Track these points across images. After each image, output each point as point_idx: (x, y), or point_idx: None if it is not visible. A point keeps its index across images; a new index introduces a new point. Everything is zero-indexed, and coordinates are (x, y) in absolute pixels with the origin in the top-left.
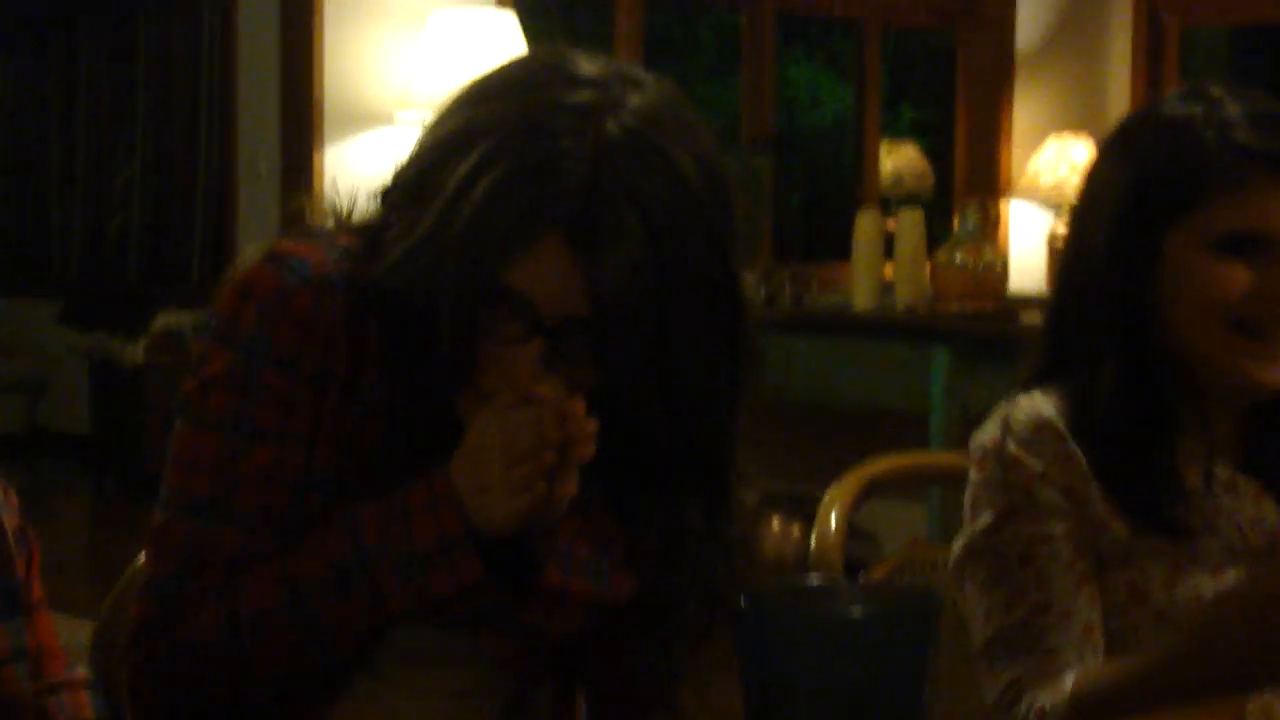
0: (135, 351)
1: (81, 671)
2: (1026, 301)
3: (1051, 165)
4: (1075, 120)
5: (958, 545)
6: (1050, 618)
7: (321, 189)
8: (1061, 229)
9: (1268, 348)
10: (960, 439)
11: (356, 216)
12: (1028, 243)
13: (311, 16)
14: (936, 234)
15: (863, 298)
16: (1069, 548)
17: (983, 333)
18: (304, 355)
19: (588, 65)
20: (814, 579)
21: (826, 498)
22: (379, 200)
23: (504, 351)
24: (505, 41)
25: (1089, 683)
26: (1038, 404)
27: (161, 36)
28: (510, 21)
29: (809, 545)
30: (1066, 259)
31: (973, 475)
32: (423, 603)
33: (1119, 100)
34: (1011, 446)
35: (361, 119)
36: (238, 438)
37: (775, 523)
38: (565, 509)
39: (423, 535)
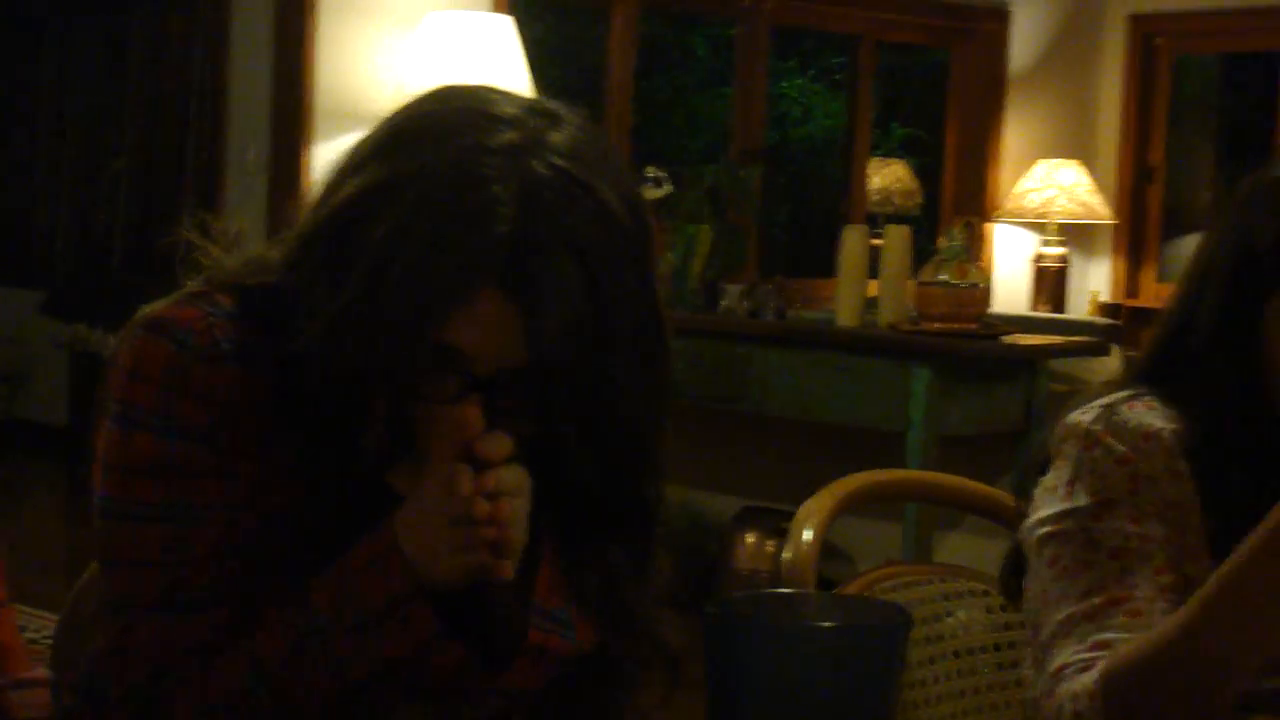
0: (116, 344)
1: (43, 671)
2: (1008, 322)
3: (1039, 187)
4: (1065, 143)
5: (1046, 514)
6: (1119, 614)
7: (307, 188)
8: (1045, 250)
9: None
10: (937, 459)
11: (246, 273)
12: (1013, 264)
13: (306, 13)
14: (923, 253)
15: (846, 314)
16: (1162, 555)
17: (964, 353)
18: (213, 427)
19: (503, 104)
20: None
21: (800, 514)
22: (286, 260)
23: (440, 410)
24: (500, 45)
25: (1118, 657)
26: (1149, 415)
27: (154, 29)
28: (506, 25)
29: (781, 561)
30: (1182, 292)
31: (1070, 451)
32: (380, 664)
33: (1109, 124)
34: (1121, 445)
35: (352, 118)
36: (178, 523)
37: (749, 537)
38: (518, 560)
39: (372, 595)
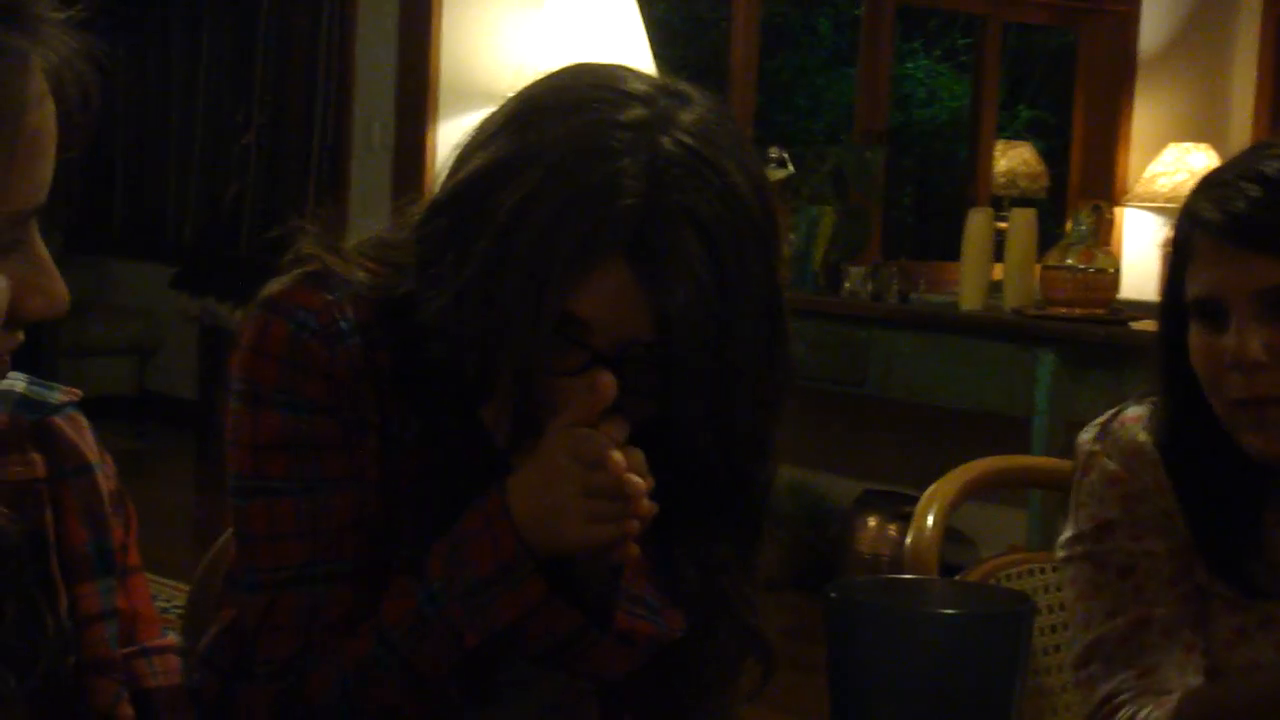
0: (239, 324)
1: (173, 637)
2: (1137, 308)
3: (1169, 171)
4: (1196, 126)
5: (1061, 539)
6: (1150, 634)
7: (429, 166)
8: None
9: (1259, 414)
10: (1064, 445)
11: (368, 252)
12: (1141, 249)
13: None
14: (1048, 237)
15: (970, 297)
16: (1171, 566)
17: (1090, 338)
18: (336, 403)
19: (634, 81)
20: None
21: (924, 498)
22: (414, 233)
23: (562, 382)
24: (623, 25)
25: (1193, 698)
26: (1137, 429)
27: (283, 6)
28: (629, 5)
29: (904, 546)
30: None
31: (1077, 475)
32: (493, 630)
33: (1242, 107)
34: (1112, 463)
35: (476, 96)
36: (312, 496)
37: (871, 521)
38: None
39: (481, 561)
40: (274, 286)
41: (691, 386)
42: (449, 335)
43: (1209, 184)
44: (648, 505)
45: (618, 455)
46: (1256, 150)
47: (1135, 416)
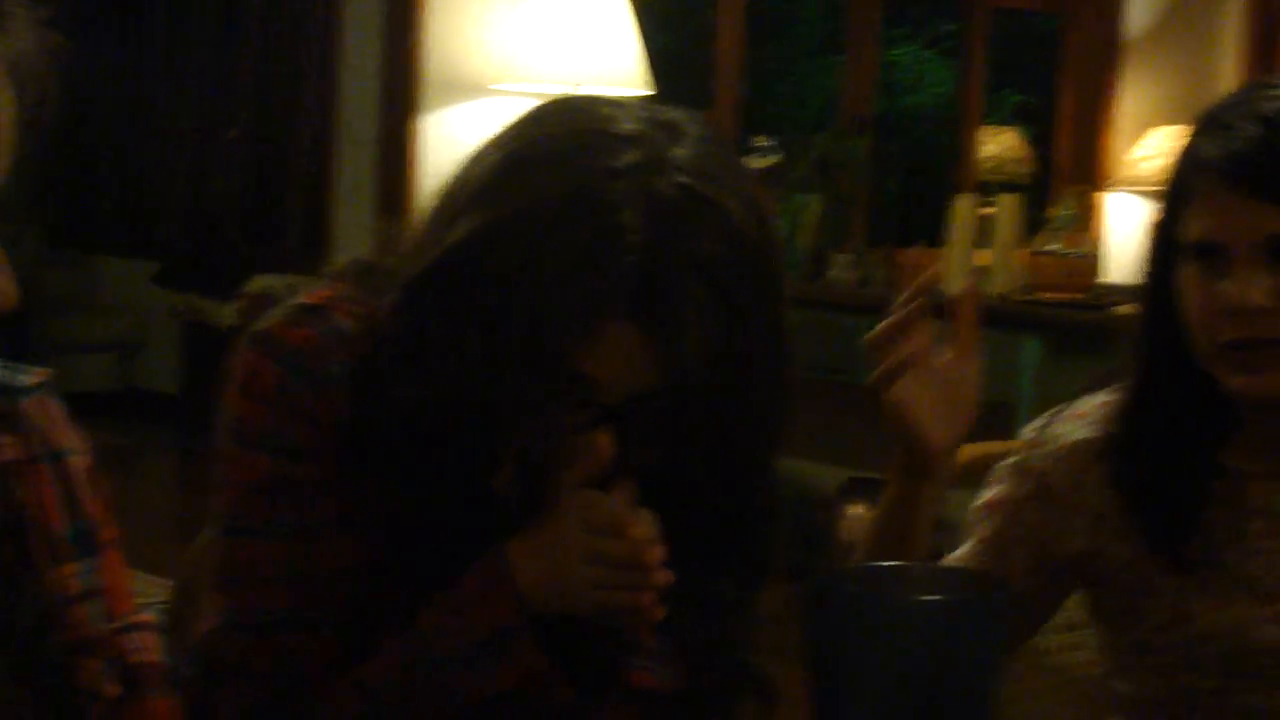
0: (228, 313)
1: (150, 615)
2: (1122, 292)
3: (1154, 155)
4: (1181, 110)
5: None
6: None
7: (414, 159)
8: None
9: (1251, 356)
10: None
11: (370, 299)
12: (1127, 233)
13: None
14: (1034, 222)
15: (955, 284)
16: (1010, 558)
17: (1075, 323)
18: (322, 449)
19: (624, 120)
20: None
21: None
22: (399, 301)
23: (570, 442)
24: (610, 14)
25: None
26: (1077, 425)
27: (268, 1)
28: None
29: None
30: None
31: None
32: (486, 696)
33: (1227, 91)
34: (1032, 455)
35: (461, 90)
36: (294, 541)
37: (856, 508)
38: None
39: (479, 625)
40: (267, 320)
41: (702, 431)
42: (448, 404)
43: (1211, 123)
44: (664, 576)
45: (637, 528)
46: (1256, 88)
47: (1081, 413)
